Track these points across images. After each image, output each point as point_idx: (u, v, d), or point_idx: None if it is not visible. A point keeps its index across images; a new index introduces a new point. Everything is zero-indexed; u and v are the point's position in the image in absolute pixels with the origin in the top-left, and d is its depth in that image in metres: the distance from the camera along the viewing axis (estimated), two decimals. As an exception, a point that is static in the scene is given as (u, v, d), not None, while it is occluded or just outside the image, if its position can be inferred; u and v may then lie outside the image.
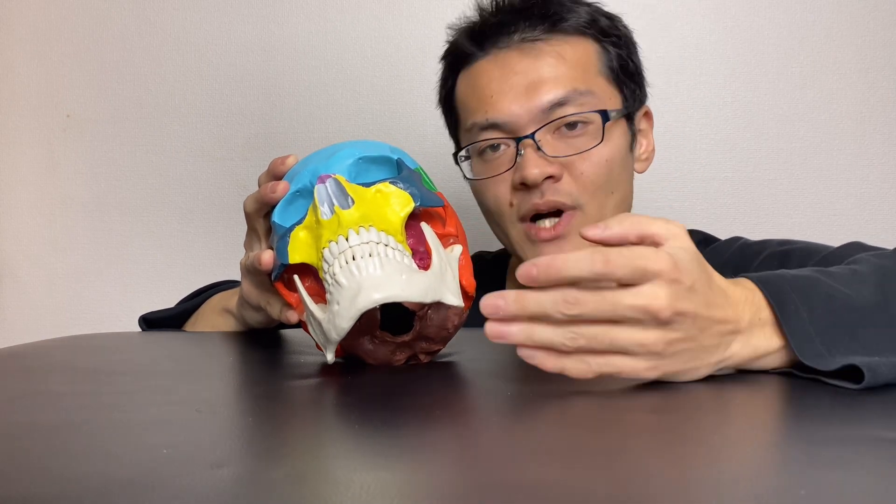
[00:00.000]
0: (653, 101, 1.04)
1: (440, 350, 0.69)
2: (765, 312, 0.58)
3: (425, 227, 0.64)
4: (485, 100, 0.94)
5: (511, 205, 0.94)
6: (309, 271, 0.66)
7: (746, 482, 0.38)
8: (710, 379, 0.65)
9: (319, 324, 0.62)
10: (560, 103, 0.92)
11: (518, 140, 0.91)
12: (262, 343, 0.81)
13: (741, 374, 0.63)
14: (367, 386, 0.63)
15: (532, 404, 0.58)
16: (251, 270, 0.75)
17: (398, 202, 0.63)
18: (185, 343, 0.83)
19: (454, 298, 0.61)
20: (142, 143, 1.47)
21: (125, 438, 0.47)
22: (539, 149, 0.91)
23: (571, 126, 0.92)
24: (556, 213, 0.93)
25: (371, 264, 0.58)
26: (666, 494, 0.37)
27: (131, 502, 0.36)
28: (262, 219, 0.74)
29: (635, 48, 1.01)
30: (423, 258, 0.63)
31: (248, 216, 0.76)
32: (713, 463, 0.42)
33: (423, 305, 0.63)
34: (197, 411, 0.53)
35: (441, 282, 0.60)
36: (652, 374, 0.55)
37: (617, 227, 0.53)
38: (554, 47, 0.94)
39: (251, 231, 0.77)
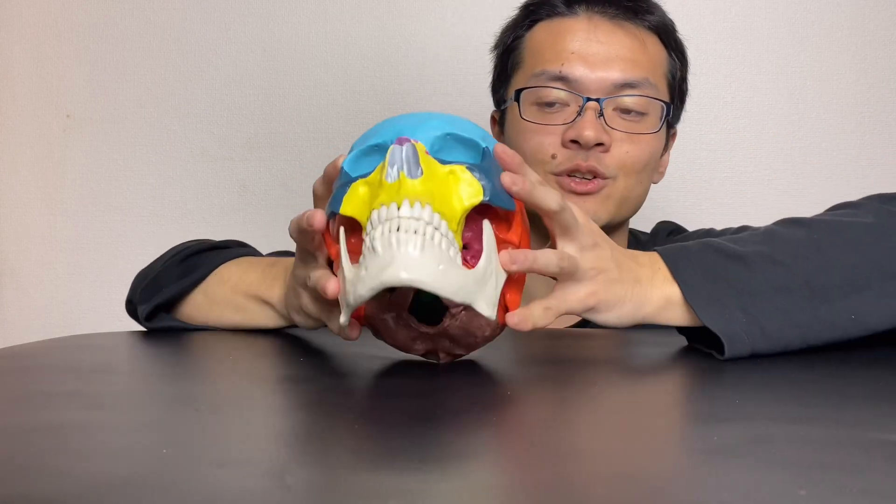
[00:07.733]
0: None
1: (462, 356, 0.66)
2: (661, 265, 0.70)
3: (486, 227, 0.60)
4: (563, 54, 0.98)
5: (553, 157, 0.97)
6: (357, 229, 0.61)
7: (746, 482, 0.38)
8: (708, 379, 0.65)
9: (345, 282, 0.58)
10: (631, 85, 0.97)
11: (585, 99, 0.95)
12: (262, 342, 0.81)
13: (738, 375, 0.63)
14: (370, 386, 0.63)
15: (532, 405, 0.58)
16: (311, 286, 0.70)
17: (467, 191, 0.58)
18: (185, 343, 0.83)
19: (487, 308, 0.57)
20: (142, 143, 1.47)
21: (125, 438, 0.47)
22: (601, 114, 0.95)
23: (628, 111, 0.97)
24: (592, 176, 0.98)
25: (412, 242, 0.54)
26: (665, 495, 0.37)
27: (131, 502, 0.36)
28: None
29: (687, 71, 1.06)
30: (473, 256, 0.59)
31: (318, 201, 0.70)
32: (712, 463, 0.42)
33: (456, 303, 0.59)
34: (197, 411, 0.53)
35: (480, 287, 0.57)
36: (592, 300, 0.65)
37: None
38: (640, 34, 0.99)
39: (303, 250, 0.70)
